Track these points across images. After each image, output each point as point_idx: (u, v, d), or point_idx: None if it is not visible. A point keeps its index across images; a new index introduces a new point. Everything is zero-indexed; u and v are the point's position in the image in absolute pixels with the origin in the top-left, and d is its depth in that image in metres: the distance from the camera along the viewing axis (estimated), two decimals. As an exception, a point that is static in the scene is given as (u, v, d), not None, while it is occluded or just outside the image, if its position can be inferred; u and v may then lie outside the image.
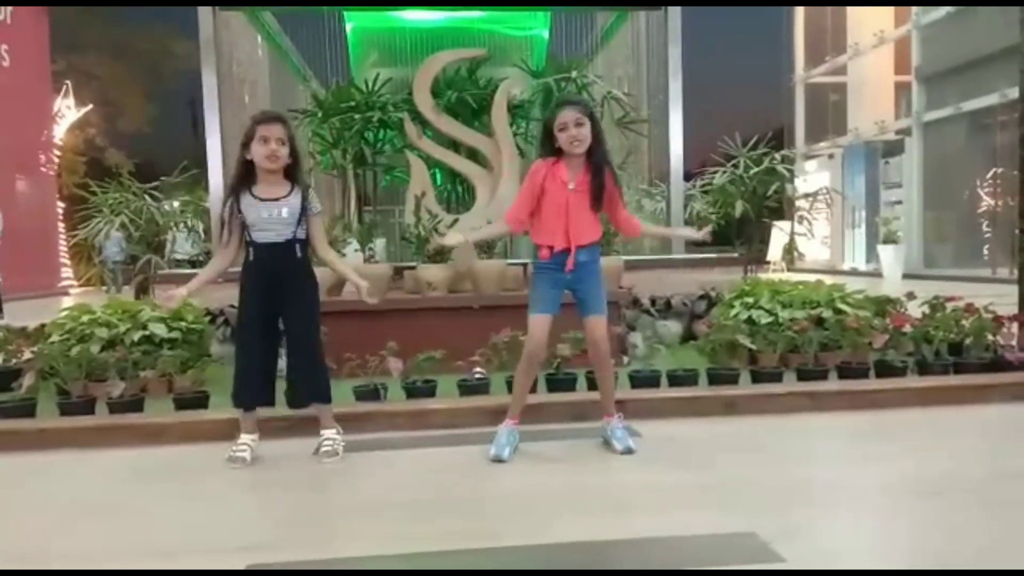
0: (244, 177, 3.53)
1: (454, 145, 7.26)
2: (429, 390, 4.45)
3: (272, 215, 3.48)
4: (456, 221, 6.21)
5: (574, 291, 3.60)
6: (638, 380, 4.60)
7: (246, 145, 3.48)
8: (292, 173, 3.58)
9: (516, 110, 7.37)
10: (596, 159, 3.50)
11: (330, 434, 3.65)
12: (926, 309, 5.42)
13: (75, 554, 2.61)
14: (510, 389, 4.45)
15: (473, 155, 7.19)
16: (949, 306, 5.35)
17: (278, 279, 3.53)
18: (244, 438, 3.63)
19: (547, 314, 3.56)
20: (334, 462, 3.55)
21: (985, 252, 17.96)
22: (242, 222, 3.50)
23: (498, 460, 3.47)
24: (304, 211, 3.54)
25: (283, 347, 3.69)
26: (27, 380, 4.52)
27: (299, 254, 3.57)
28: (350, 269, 3.87)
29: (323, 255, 3.71)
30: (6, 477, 3.57)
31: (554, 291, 3.57)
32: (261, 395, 3.62)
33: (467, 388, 4.48)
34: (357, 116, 7.08)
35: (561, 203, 3.49)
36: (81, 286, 18.27)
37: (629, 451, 3.55)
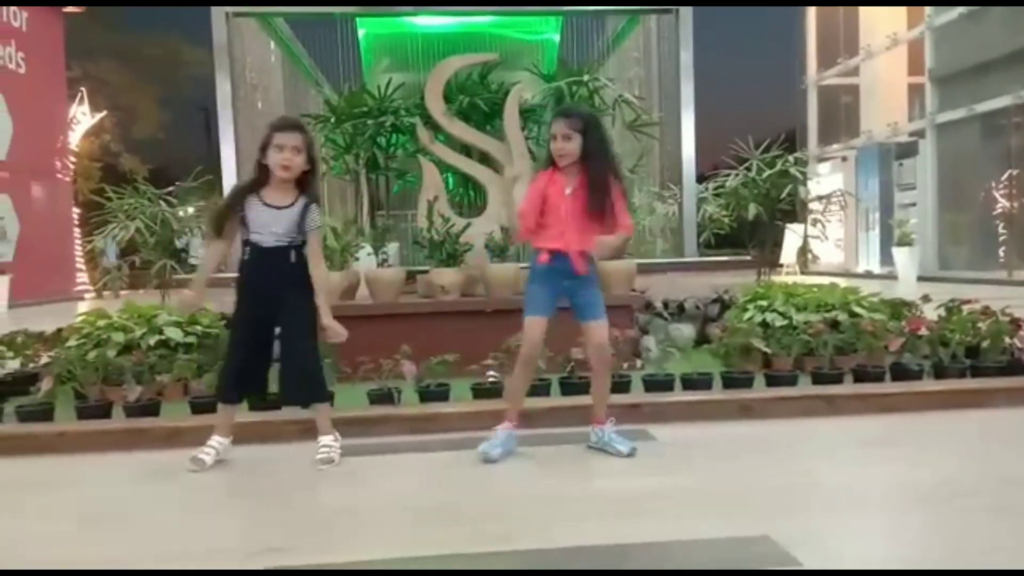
0: (258, 181, 3.56)
1: (466, 149, 7.28)
2: (443, 394, 4.46)
3: (269, 221, 3.51)
4: (468, 225, 6.22)
5: (571, 297, 3.61)
6: (652, 384, 4.59)
7: (263, 150, 3.51)
8: (305, 181, 3.59)
9: (528, 114, 7.38)
10: (592, 172, 3.51)
11: (327, 440, 3.67)
12: (942, 312, 5.38)
13: (94, 559, 2.63)
14: (524, 393, 4.48)
15: (485, 159, 7.20)
16: (965, 309, 5.32)
17: (270, 282, 3.56)
18: (213, 440, 3.65)
19: (543, 316, 3.57)
20: (330, 467, 3.55)
21: (1001, 254, 17.80)
22: (243, 217, 3.53)
23: (487, 460, 3.50)
24: (303, 221, 3.54)
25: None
26: (45, 384, 4.56)
27: (293, 259, 3.57)
28: (325, 305, 3.66)
29: (312, 271, 3.61)
30: (26, 480, 3.61)
31: (550, 294, 3.58)
32: (243, 389, 3.69)
33: (481, 392, 4.48)
34: (370, 121, 7.10)
35: (560, 208, 3.52)
36: (96, 291, 18.40)
37: (634, 452, 3.55)
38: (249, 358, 3.63)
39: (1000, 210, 18.19)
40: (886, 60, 22.76)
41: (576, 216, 3.51)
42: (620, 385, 4.50)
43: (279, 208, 3.54)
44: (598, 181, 3.50)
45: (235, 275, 3.66)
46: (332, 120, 7.37)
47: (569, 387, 4.51)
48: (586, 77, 7.17)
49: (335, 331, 3.65)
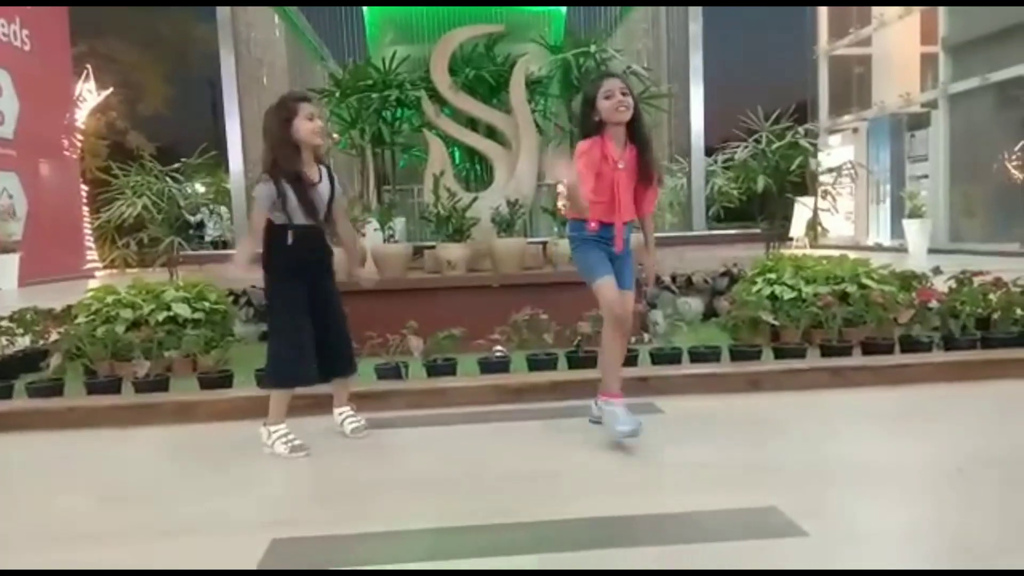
0: (294, 159, 3.37)
1: (472, 123, 7.23)
2: (450, 368, 4.46)
3: (315, 199, 3.41)
4: (476, 199, 6.19)
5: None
6: (659, 357, 4.58)
7: (287, 123, 3.35)
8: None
9: (534, 86, 7.31)
10: (641, 135, 3.47)
11: (350, 410, 3.69)
12: (952, 284, 5.33)
13: (106, 533, 2.66)
14: (530, 367, 4.47)
15: (491, 133, 7.15)
16: (976, 280, 5.27)
17: (315, 259, 3.52)
18: (279, 428, 3.50)
19: (611, 275, 3.43)
20: (362, 437, 3.59)
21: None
22: (283, 202, 3.35)
23: (635, 434, 3.31)
24: (333, 192, 3.53)
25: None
26: (54, 360, 4.60)
27: (328, 233, 3.60)
28: (358, 256, 3.73)
29: (343, 233, 3.70)
30: (37, 455, 3.64)
31: (604, 255, 3.48)
32: (316, 372, 3.52)
33: (487, 366, 4.48)
34: (374, 95, 7.05)
35: (611, 181, 3.41)
36: (105, 268, 18.47)
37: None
38: (311, 340, 3.47)
39: (1014, 181, 17.95)
40: (899, 29, 22.41)
41: (625, 189, 3.44)
42: (628, 359, 4.47)
43: (315, 184, 3.44)
44: (648, 147, 3.47)
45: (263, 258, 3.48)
46: (337, 94, 7.32)
47: (576, 361, 4.50)
48: (593, 48, 7.08)
49: (368, 276, 3.89)
